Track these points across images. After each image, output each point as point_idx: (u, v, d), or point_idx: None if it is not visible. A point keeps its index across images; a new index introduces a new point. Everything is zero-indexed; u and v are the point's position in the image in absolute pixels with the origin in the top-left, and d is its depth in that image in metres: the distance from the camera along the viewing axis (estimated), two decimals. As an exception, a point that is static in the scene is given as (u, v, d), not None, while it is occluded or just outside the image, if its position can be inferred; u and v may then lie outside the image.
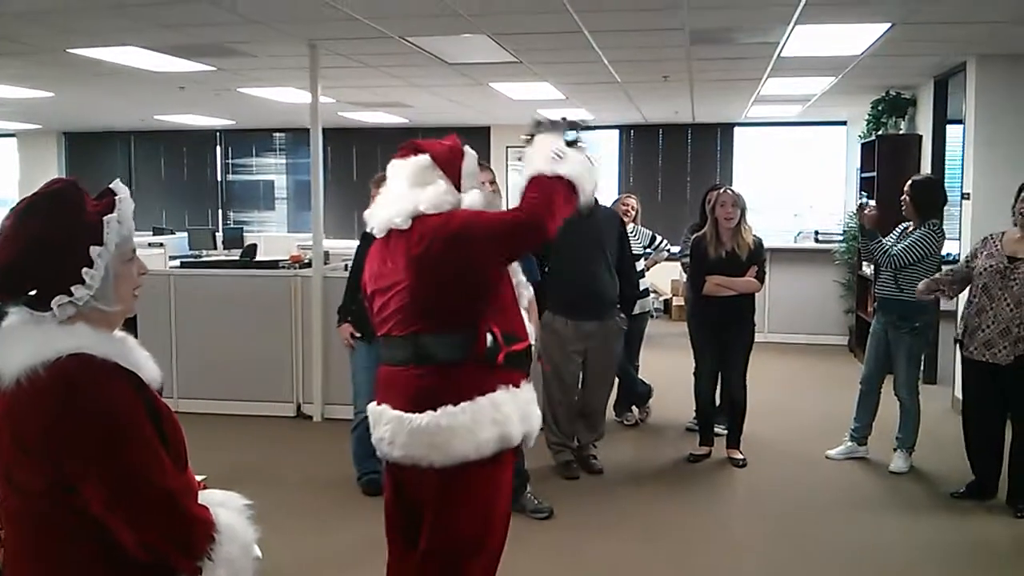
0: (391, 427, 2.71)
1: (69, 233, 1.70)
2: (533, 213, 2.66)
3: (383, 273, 2.78)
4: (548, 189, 2.68)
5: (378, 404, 2.80)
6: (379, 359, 2.87)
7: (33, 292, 1.67)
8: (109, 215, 1.73)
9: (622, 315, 5.47)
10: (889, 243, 5.48)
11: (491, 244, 2.66)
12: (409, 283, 2.69)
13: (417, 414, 2.66)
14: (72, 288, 1.68)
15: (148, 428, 1.68)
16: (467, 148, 2.89)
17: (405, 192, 2.76)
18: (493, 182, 4.44)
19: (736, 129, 12.69)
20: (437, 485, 2.70)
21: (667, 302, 11.87)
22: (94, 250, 1.70)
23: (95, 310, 1.72)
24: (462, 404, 2.64)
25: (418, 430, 2.65)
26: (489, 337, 2.68)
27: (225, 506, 1.84)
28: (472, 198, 2.78)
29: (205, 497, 1.88)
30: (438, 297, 2.68)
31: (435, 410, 2.64)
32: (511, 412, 2.70)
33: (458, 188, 2.77)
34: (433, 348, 2.69)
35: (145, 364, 1.79)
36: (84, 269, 1.69)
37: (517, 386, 2.74)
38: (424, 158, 2.79)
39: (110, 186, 1.80)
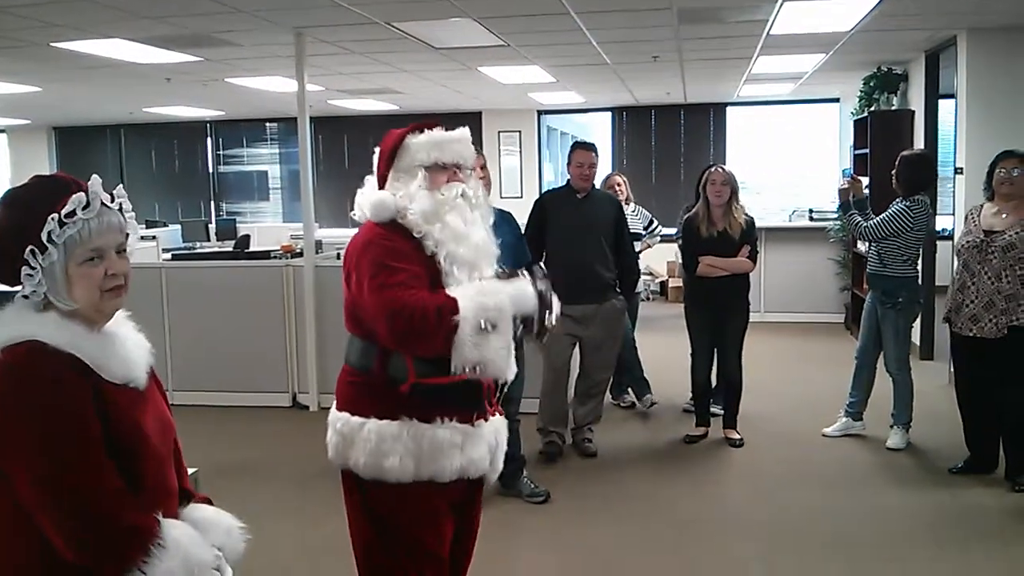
0: None
1: (11, 232, 1.72)
2: (403, 335, 2.43)
3: None
4: (436, 326, 2.40)
5: None
6: None
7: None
8: (52, 214, 1.71)
9: (620, 298, 5.45)
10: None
11: (362, 308, 2.53)
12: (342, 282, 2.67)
13: (333, 409, 2.68)
14: (20, 285, 1.71)
15: (88, 426, 1.65)
16: (414, 137, 2.63)
17: (365, 186, 2.71)
18: (484, 167, 4.25)
19: (729, 109, 12.63)
20: (341, 482, 2.71)
21: (663, 284, 11.85)
22: (28, 251, 1.70)
23: (57, 305, 1.73)
24: (356, 418, 2.56)
25: (328, 424, 2.67)
26: (397, 359, 2.51)
27: (214, 523, 1.85)
28: (371, 201, 2.57)
29: (190, 513, 1.87)
30: (350, 307, 2.63)
31: (339, 411, 2.63)
32: (401, 448, 2.49)
33: (382, 184, 2.62)
34: (351, 350, 2.65)
35: (117, 360, 1.77)
36: (23, 268, 1.70)
37: (426, 420, 2.51)
38: (376, 153, 2.70)
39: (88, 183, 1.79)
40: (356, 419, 2.56)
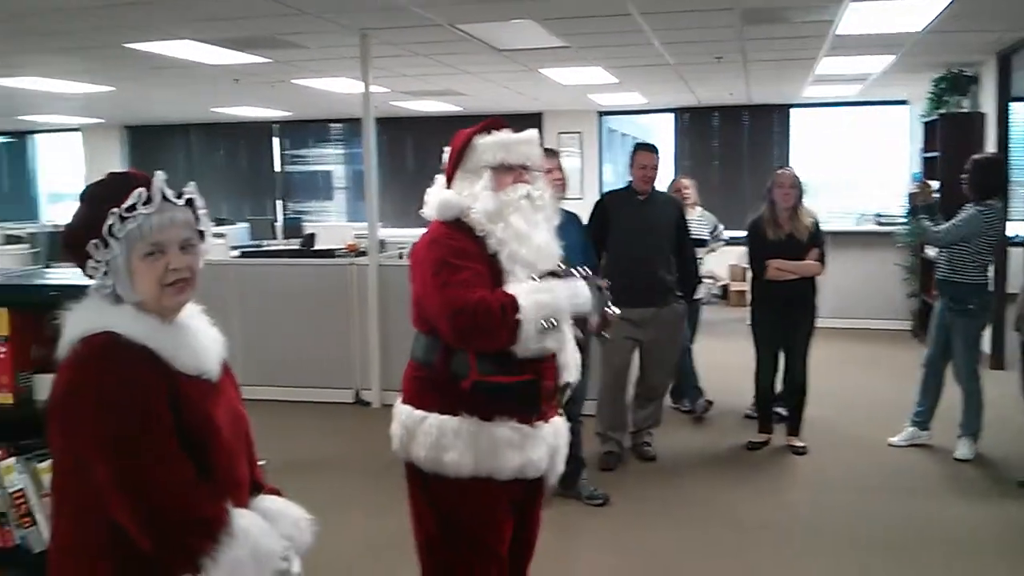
0: None
1: (81, 226, 1.79)
2: (466, 332, 2.47)
3: None
4: (498, 320, 2.45)
5: None
6: None
7: None
8: (114, 209, 1.76)
9: (681, 301, 5.41)
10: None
11: (424, 305, 2.60)
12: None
13: (398, 402, 2.73)
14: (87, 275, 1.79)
15: (161, 417, 1.69)
16: (481, 138, 2.66)
17: (435, 184, 2.76)
18: (560, 168, 4.41)
19: (793, 110, 12.44)
20: (405, 474, 2.75)
21: (725, 287, 11.74)
22: (91, 243, 1.76)
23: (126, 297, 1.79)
24: (419, 412, 2.61)
25: (393, 416, 2.73)
26: (460, 356, 2.55)
27: (282, 514, 1.88)
28: (436, 200, 2.65)
29: (259, 504, 1.90)
30: (416, 302, 2.69)
31: (404, 405, 2.68)
32: (460, 444, 2.53)
33: (449, 182, 2.67)
34: (415, 346, 2.70)
35: (190, 352, 1.81)
36: (88, 261, 1.77)
37: (487, 418, 2.55)
38: (447, 149, 2.75)
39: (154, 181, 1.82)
40: (418, 413, 2.61)
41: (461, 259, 2.53)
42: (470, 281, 2.49)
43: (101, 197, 1.78)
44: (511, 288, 2.52)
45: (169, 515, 1.66)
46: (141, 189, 1.76)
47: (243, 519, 1.75)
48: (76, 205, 1.85)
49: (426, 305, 2.59)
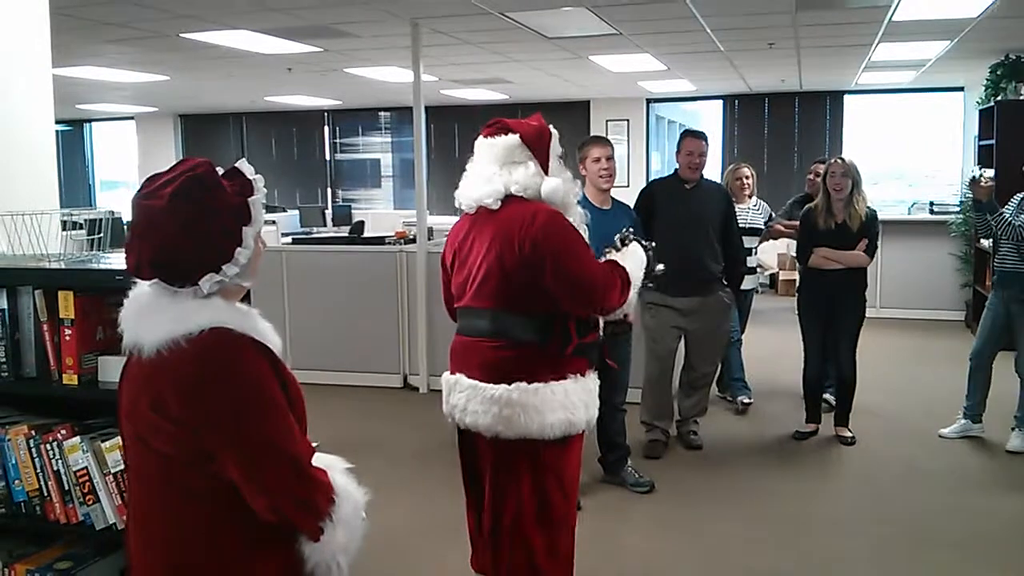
0: (466, 395, 2.87)
1: (222, 215, 1.75)
2: (609, 296, 2.89)
3: (466, 246, 2.90)
4: (620, 287, 2.92)
5: (452, 373, 2.97)
6: (457, 330, 3.02)
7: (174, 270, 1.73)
8: (253, 197, 1.80)
9: (727, 290, 5.39)
10: (1009, 214, 5.24)
11: (561, 283, 2.79)
12: (493, 261, 2.80)
13: (491, 384, 2.80)
14: (223, 266, 1.75)
15: (280, 397, 1.75)
16: (552, 129, 2.94)
17: (495, 172, 2.84)
18: (610, 158, 4.58)
19: (846, 97, 12.29)
20: (496, 456, 2.85)
21: (773, 276, 11.65)
22: (246, 230, 1.77)
23: (234, 285, 1.81)
24: (535, 384, 2.77)
25: (490, 400, 2.80)
26: (563, 326, 2.85)
27: (332, 469, 1.91)
28: (552, 184, 2.85)
29: (315, 460, 1.96)
30: (517, 283, 2.79)
31: (509, 384, 2.78)
32: (577, 400, 2.84)
33: (545, 170, 2.84)
34: (510, 326, 2.83)
35: (269, 335, 1.86)
36: (237, 249, 1.76)
37: (583, 375, 2.89)
38: (514, 138, 2.83)
39: (236, 166, 1.84)
40: (534, 385, 2.79)
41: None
42: (593, 256, 2.91)
43: (219, 185, 1.77)
44: (615, 259, 3.02)
45: (304, 487, 1.75)
46: (257, 176, 1.84)
47: (336, 477, 1.84)
48: (178, 196, 1.70)
49: (568, 279, 2.78)
